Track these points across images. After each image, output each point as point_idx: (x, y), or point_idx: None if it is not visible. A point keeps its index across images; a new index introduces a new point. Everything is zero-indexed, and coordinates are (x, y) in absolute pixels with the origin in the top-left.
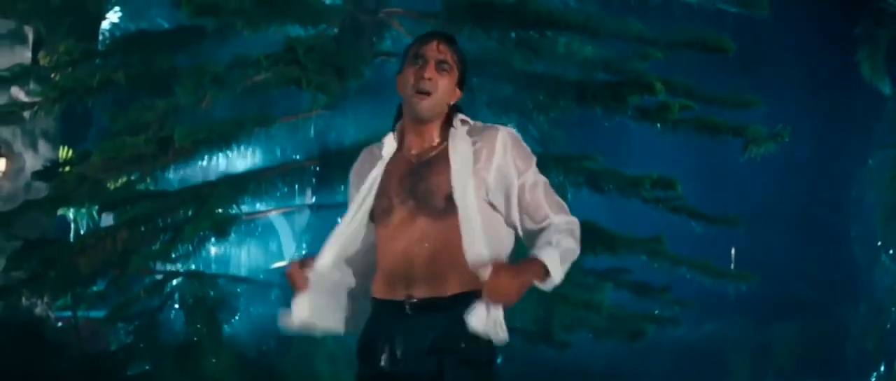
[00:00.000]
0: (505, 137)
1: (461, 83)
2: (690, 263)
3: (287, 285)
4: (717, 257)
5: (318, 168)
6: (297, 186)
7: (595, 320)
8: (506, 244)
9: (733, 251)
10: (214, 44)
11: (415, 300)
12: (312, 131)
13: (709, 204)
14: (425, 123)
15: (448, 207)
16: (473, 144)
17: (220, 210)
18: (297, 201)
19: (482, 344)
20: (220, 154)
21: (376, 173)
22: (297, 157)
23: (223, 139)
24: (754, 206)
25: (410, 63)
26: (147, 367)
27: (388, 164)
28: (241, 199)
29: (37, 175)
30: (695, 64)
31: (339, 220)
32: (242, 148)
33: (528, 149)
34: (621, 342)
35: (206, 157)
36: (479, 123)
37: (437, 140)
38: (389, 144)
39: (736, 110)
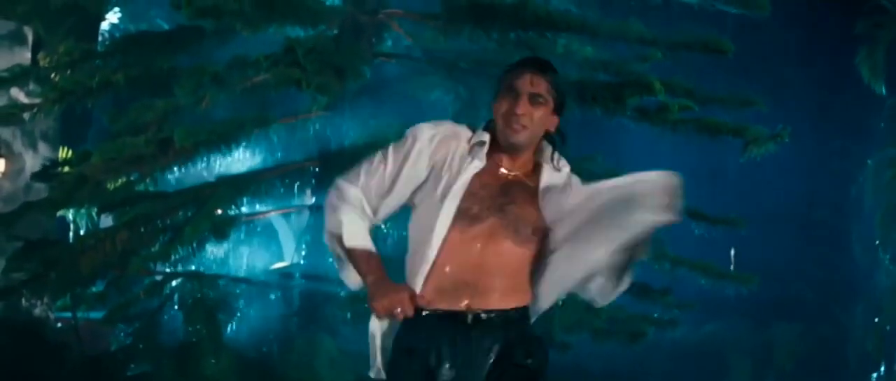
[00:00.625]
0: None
1: (558, 109)
2: (691, 264)
3: (286, 286)
4: (716, 258)
5: (317, 169)
6: (296, 187)
7: (595, 321)
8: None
9: (733, 252)
10: (214, 44)
11: (478, 311)
12: (312, 132)
13: (709, 205)
14: (518, 152)
15: (532, 236)
16: (557, 190)
17: (220, 211)
18: (297, 201)
19: (539, 356)
20: (220, 155)
21: (466, 177)
22: (297, 158)
23: (223, 140)
24: (754, 207)
25: (504, 94)
26: (147, 368)
27: (478, 162)
28: (240, 200)
29: (36, 176)
30: (695, 66)
31: None
32: (242, 149)
33: None
34: (621, 344)
35: (205, 158)
36: (568, 169)
37: (530, 165)
38: (481, 150)
39: (736, 112)
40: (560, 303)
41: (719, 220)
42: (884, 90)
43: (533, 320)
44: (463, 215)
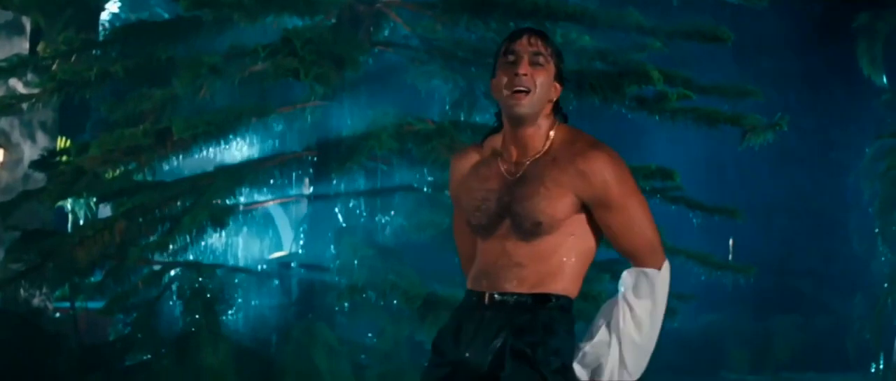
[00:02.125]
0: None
1: (559, 77)
2: (689, 254)
3: (284, 275)
4: (715, 249)
5: (315, 158)
6: (294, 177)
7: (593, 311)
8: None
9: (731, 243)
10: (212, 34)
11: (494, 292)
12: (310, 121)
13: (707, 196)
14: (526, 126)
15: (535, 230)
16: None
17: (218, 201)
18: (295, 191)
19: (551, 346)
20: (218, 145)
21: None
22: (295, 147)
23: (221, 130)
24: (752, 198)
25: (502, 64)
26: (145, 357)
27: (485, 172)
28: (238, 189)
29: (35, 166)
30: (693, 57)
31: (336, 211)
32: (240, 138)
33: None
34: None
35: (203, 147)
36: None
37: (537, 148)
38: (489, 151)
39: (734, 102)
40: None
41: (717, 210)
42: (885, 82)
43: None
44: (478, 227)
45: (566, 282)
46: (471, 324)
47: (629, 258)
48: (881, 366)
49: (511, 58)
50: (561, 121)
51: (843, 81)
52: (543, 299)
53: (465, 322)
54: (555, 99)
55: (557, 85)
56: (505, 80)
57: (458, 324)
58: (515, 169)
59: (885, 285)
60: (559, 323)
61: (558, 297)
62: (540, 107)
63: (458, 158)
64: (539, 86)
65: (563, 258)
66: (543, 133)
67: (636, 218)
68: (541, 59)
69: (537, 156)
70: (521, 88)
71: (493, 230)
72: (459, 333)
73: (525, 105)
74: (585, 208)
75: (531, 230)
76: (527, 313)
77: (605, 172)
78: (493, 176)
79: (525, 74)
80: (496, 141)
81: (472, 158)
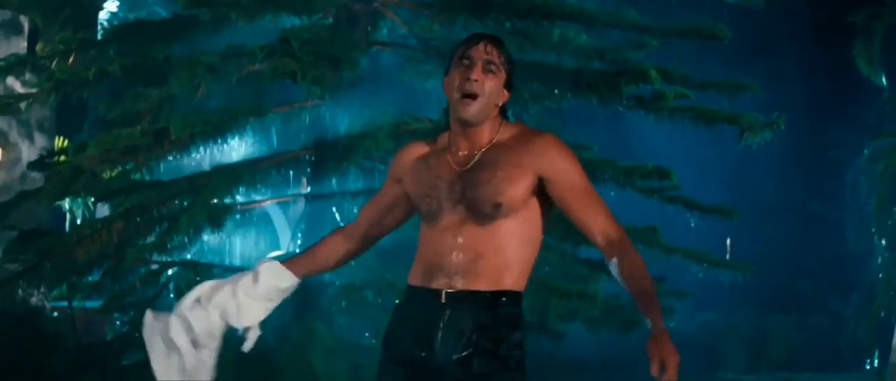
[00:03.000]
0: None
1: (509, 84)
2: (686, 252)
3: None
4: (712, 249)
5: (312, 158)
6: (292, 176)
7: (590, 310)
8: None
9: (729, 242)
10: (209, 33)
11: (452, 291)
12: (307, 121)
13: (704, 195)
14: (473, 127)
15: (494, 212)
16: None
17: (216, 200)
18: (292, 190)
19: (512, 340)
20: (215, 144)
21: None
22: (292, 146)
23: (218, 130)
24: (749, 197)
25: (456, 65)
26: (143, 357)
27: (433, 162)
28: (235, 189)
29: (33, 165)
30: (691, 55)
31: (333, 210)
32: (237, 138)
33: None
34: (616, 333)
35: (200, 147)
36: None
37: (485, 142)
38: (436, 146)
39: (733, 101)
40: (554, 293)
41: (713, 209)
42: (883, 81)
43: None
44: (429, 214)
45: (519, 277)
46: (428, 322)
47: (597, 231)
48: (876, 365)
49: (466, 62)
50: (505, 120)
51: (841, 79)
52: (502, 295)
53: (420, 320)
54: (501, 103)
55: (505, 92)
56: (457, 82)
57: (411, 322)
58: (465, 161)
59: (881, 283)
60: (518, 318)
61: (514, 293)
62: (487, 112)
63: (406, 148)
64: (488, 92)
65: (516, 249)
66: (491, 128)
67: (594, 191)
68: (493, 67)
69: (487, 147)
70: (471, 93)
71: (446, 218)
72: (416, 331)
73: (473, 111)
74: (538, 195)
75: (490, 213)
76: (488, 310)
77: (559, 148)
78: (442, 166)
79: (476, 80)
80: (443, 138)
81: (420, 149)
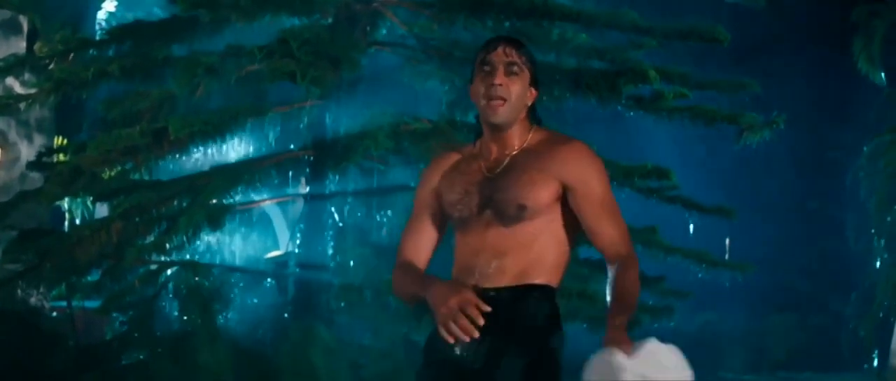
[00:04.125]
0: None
1: (534, 83)
2: (685, 252)
3: (281, 274)
4: (711, 249)
5: (312, 158)
6: (291, 176)
7: (590, 310)
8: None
9: (727, 242)
10: (208, 32)
11: (480, 289)
12: (306, 121)
13: (703, 195)
14: (503, 132)
15: (519, 214)
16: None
17: (215, 200)
18: (292, 190)
19: (542, 334)
20: (214, 144)
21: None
22: (292, 146)
23: (217, 130)
24: (749, 197)
25: (479, 72)
26: (141, 356)
27: (465, 168)
28: (235, 189)
29: (32, 165)
30: (690, 55)
31: (332, 210)
32: (236, 138)
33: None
34: None
35: (200, 147)
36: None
37: (515, 148)
38: (468, 152)
39: (732, 101)
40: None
41: (712, 209)
42: (883, 79)
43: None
44: (459, 221)
45: (547, 273)
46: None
47: (607, 243)
48: (876, 364)
49: (487, 68)
50: (535, 124)
51: (840, 78)
52: (528, 290)
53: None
54: (530, 103)
55: (533, 90)
56: (482, 89)
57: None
58: (495, 165)
59: (881, 282)
60: (544, 312)
61: (542, 287)
62: (516, 113)
63: (440, 157)
64: (514, 94)
65: (543, 248)
66: (522, 133)
67: (614, 205)
68: (515, 69)
69: (516, 152)
70: (498, 98)
71: (475, 222)
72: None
73: (501, 114)
74: (564, 200)
75: (514, 215)
76: (513, 306)
77: (585, 157)
78: (473, 172)
79: (500, 84)
80: (476, 145)
81: (454, 157)
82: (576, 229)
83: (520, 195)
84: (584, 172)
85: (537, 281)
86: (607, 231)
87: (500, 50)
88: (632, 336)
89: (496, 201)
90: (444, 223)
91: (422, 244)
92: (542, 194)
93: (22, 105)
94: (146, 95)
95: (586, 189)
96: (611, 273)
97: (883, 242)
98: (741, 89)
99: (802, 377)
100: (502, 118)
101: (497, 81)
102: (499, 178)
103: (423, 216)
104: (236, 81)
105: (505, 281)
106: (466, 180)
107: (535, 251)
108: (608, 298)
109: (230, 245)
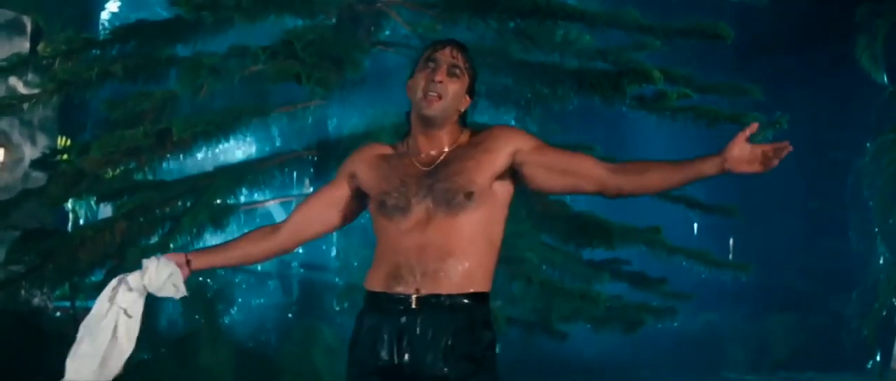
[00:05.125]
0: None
1: (471, 91)
2: (688, 252)
3: (285, 275)
4: (714, 250)
5: (315, 158)
6: (294, 176)
7: (592, 310)
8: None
9: (731, 242)
10: (211, 32)
11: (423, 295)
12: (310, 121)
13: (706, 195)
14: (434, 128)
15: (466, 202)
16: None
17: (219, 201)
18: (296, 190)
19: (486, 340)
20: (218, 145)
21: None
22: (295, 146)
23: (221, 130)
24: (751, 197)
25: (422, 67)
26: (145, 356)
27: (397, 163)
28: (239, 189)
29: (35, 165)
30: (693, 56)
31: None
32: (240, 138)
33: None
34: (618, 333)
35: (203, 147)
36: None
37: (446, 146)
38: (395, 149)
39: (734, 101)
40: (558, 293)
41: (714, 208)
42: (885, 79)
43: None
44: (395, 210)
45: (485, 278)
46: (400, 329)
47: (591, 169)
48: (878, 364)
49: (431, 65)
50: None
51: (843, 78)
52: (475, 297)
53: (391, 328)
54: (463, 110)
55: (468, 98)
56: (422, 83)
57: (380, 331)
58: (429, 161)
59: (883, 282)
60: (489, 318)
61: (484, 294)
62: (450, 113)
63: (365, 147)
64: (451, 94)
65: (481, 251)
66: (453, 133)
67: (564, 149)
68: (457, 71)
69: (449, 149)
70: (435, 93)
71: (410, 215)
72: (388, 340)
73: (436, 108)
74: (501, 191)
75: (461, 203)
76: (463, 313)
77: (516, 130)
78: (407, 166)
79: (441, 82)
80: (403, 145)
81: (381, 149)
82: (503, 233)
83: (468, 181)
84: (525, 137)
85: (479, 288)
86: (583, 162)
87: (447, 50)
88: (634, 337)
89: (441, 190)
90: (347, 215)
91: (313, 219)
92: (488, 173)
93: (25, 105)
94: (149, 96)
95: (533, 144)
96: (628, 181)
97: (885, 242)
98: (743, 95)
99: (804, 377)
100: (436, 112)
101: (438, 78)
102: (439, 170)
103: (329, 197)
104: (240, 81)
105: (450, 287)
106: (401, 172)
107: (475, 254)
108: (657, 174)
109: None
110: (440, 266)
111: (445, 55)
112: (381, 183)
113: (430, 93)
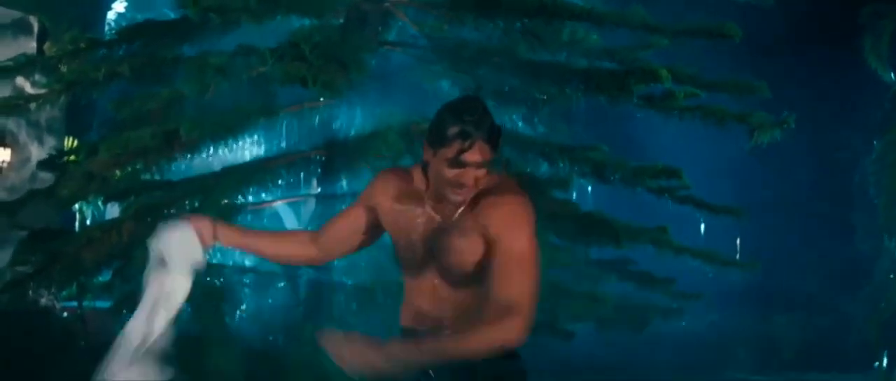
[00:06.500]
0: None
1: (496, 148)
2: (695, 252)
3: (293, 275)
4: (724, 250)
5: (323, 158)
6: (302, 176)
7: (600, 310)
8: None
9: (738, 242)
10: (218, 32)
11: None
12: (317, 121)
13: (712, 195)
14: None
15: (465, 280)
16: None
17: (226, 201)
18: (303, 191)
19: (513, 368)
20: (226, 145)
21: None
22: (303, 147)
23: (229, 131)
24: (758, 197)
25: (451, 161)
26: None
27: (412, 207)
28: (246, 189)
29: (42, 166)
30: (699, 56)
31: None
32: (247, 138)
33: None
34: (625, 333)
35: (211, 148)
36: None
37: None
38: (417, 187)
39: (741, 100)
40: (565, 293)
41: (722, 209)
42: (892, 78)
43: None
44: (406, 261)
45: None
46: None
47: (490, 296)
48: (884, 365)
49: (459, 167)
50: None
51: (849, 77)
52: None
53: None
54: None
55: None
56: (447, 175)
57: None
58: (443, 215)
59: (889, 282)
60: (507, 366)
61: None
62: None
63: (384, 179)
64: (478, 183)
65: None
66: None
67: (525, 268)
68: (486, 163)
69: (464, 210)
70: (461, 197)
71: (422, 270)
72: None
73: (462, 201)
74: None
75: (460, 281)
76: (485, 368)
77: (513, 218)
78: (418, 216)
79: (471, 186)
80: (422, 176)
81: (398, 183)
82: None
83: (462, 263)
84: (506, 231)
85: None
86: (500, 289)
87: (476, 151)
88: (641, 338)
89: (442, 263)
90: (368, 240)
91: (343, 242)
92: (476, 257)
93: (32, 105)
94: (156, 96)
95: (504, 245)
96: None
97: (892, 241)
98: (751, 93)
99: (810, 377)
100: (462, 202)
101: (468, 183)
102: (445, 235)
103: (354, 224)
104: (247, 81)
105: None
106: (414, 227)
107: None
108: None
109: None
110: (460, 318)
111: (474, 156)
112: (397, 233)
113: (460, 193)
